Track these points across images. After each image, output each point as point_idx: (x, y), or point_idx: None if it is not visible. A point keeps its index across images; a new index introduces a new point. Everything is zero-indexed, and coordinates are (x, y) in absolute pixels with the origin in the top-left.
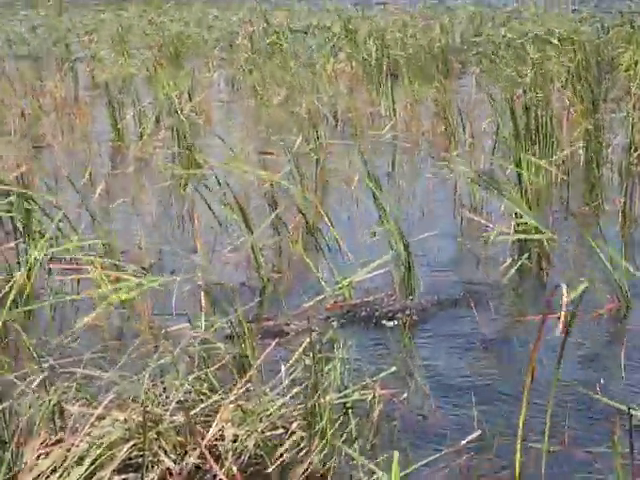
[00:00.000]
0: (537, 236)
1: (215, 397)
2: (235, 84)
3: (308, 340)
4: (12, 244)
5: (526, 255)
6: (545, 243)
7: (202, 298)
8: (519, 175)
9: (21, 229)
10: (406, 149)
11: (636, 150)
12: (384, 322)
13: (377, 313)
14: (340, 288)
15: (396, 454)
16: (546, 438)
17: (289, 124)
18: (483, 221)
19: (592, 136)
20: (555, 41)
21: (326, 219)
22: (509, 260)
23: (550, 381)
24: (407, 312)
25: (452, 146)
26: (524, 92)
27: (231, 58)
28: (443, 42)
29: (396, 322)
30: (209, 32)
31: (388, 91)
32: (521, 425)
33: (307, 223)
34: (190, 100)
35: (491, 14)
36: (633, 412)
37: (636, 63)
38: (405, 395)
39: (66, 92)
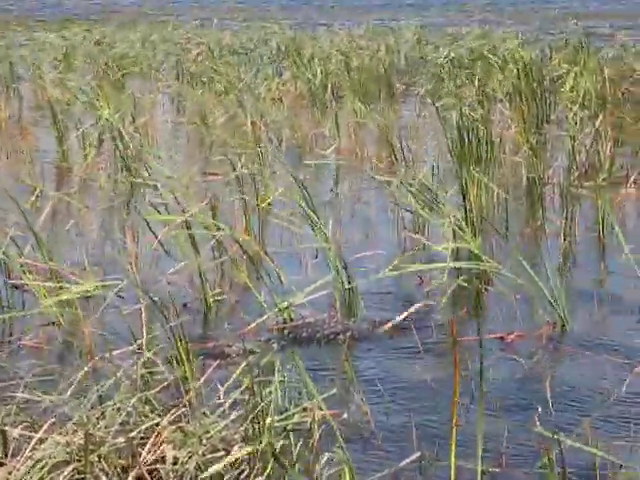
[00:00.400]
0: (479, 265)
1: (156, 419)
2: (179, 105)
3: (245, 363)
4: None
5: (463, 277)
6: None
7: (143, 319)
8: (463, 195)
9: None
10: (349, 171)
11: (576, 171)
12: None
13: (318, 334)
14: (280, 310)
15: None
16: (479, 459)
17: (233, 145)
18: (426, 241)
19: (534, 156)
20: (497, 61)
21: (268, 244)
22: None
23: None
24: (348, 333)
25: (395, 168)
26: (465, 111)
27: (175, 79)
28: (388, 62)
29: (339, 341)
30: (154, 53)
31: (332, 113)
32: (453, 447)
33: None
34: (133, 121)
35: (436, 35)
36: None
37: (577, 84)
38: (345, 416)
39: (10, 112)
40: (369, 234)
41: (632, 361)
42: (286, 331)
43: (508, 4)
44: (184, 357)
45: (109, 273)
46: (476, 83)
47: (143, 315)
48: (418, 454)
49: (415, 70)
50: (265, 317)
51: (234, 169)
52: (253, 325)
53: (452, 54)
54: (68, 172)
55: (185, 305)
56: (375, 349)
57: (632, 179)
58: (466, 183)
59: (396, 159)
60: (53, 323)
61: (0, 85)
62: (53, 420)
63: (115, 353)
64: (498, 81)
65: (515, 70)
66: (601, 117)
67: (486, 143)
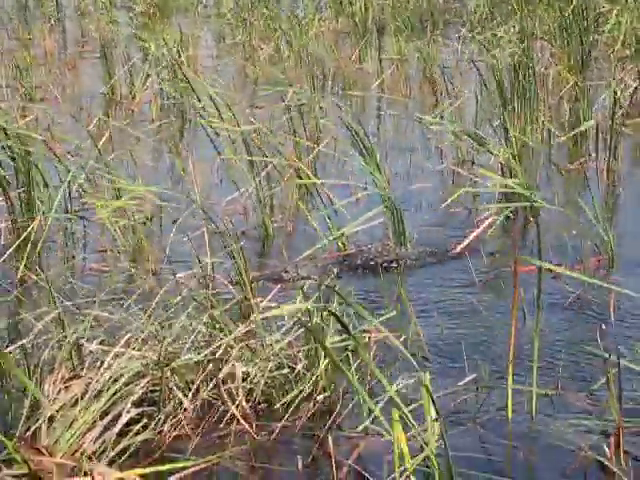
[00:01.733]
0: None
1: (225, 337)
2: (223, 39)
3: (306, 285)
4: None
5: (510, 209)
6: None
7: (207, 244)
8: (506, 131)
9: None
10: (393, 106)
11: (620, 109)
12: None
13: (372, 262)
14: (334, 239)
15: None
16: (534, 381)
17: (278, 79)
18: (471, 176)
19: (578, 94)
20: None
21: (319, 175)
22: (494, 214)
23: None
24: (401, 261)
25: (439, 104)
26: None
27: (217, 12)
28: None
29: (392, 269)
30: None
31: (374, 49)
32: (510, 369)
33: (300, 177)
34: (179, 55)
35: None
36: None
37: (619, 23)
38: (403, 337)
39: (56, 45)
40: (416, 167)
41: None
42: (341, 259)
43: None
44: (246, 280)
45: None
46: (517, 19)
47: (206, 238)
48: (474, 375)
49: (456, 6)
50: (319, 246)
51: (282, 100)
52: (309, 252)
53: None
54: (119, 104)
55: (243, 232)
56: (428, 276)
57: None
58: (509, 119)
59: (439, 94)
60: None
61: (43, 17)
62: (128, 335)
63: (180, 275)
64: (539, 18)
65: (557, 6)
66: None
67: (531, 79)
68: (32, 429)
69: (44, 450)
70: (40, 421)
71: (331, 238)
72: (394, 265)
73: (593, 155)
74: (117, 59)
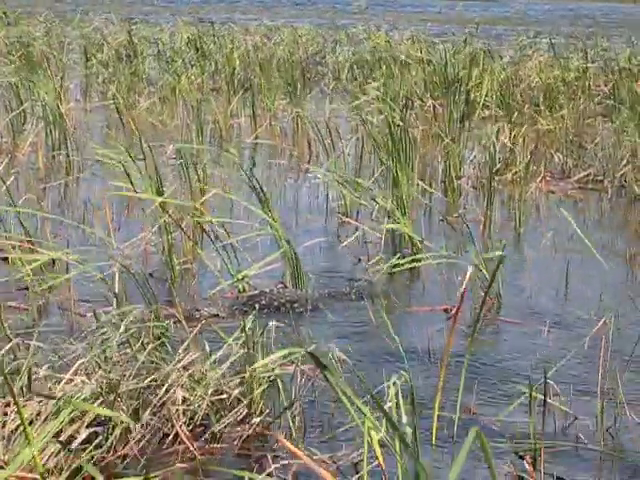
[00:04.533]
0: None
1: (167, 366)
2: (93, 93)
3: (241, 323)
4: None
5: (398, 255)
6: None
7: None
8: (395, 184)
9: None
10: (273, 158)
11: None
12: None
13: (275, 302)
14: (237, 280)
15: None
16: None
17: (157, 132)
18: (356, 224)
19: (450, 152)
20: (407, 59)
21: (214, 222)
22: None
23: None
24: (302, 301)
25: (312, 157)
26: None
27: (86, 69)
28: (293, 58)
29: (296, 309)
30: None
31: (248, 103)
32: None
33: (199, 224)
34: (58, 107)
35: (336, 35)
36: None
37: (480, 84)
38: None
39: None
40: (303, 217)
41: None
42: (245, 299)
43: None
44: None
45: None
46: (381, 82)
47: (117, 281)
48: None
49: (317, 68)
50: (223, 286)
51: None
52: (213, 292)
53: (352, 54)
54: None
55: (151, 274)
56: (328, 315)
57: (542, 176)
58: (396, 173)
59: (314, 149)
60: (26, 288)
61: None
62: (81, 362)
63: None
64: (406, 80)
65: (420, 70)
66: (512, 117)
67: (407, 140)
68: None
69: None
70: None
71: (234, 280)
72: (296, 306)
73: (468, 207)
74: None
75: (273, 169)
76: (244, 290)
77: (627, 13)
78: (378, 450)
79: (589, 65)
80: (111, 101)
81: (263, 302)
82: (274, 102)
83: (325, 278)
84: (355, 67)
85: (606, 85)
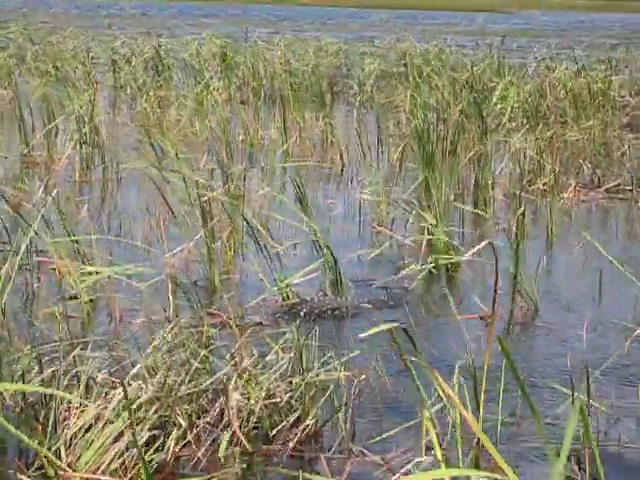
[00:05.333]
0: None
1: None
2: (122, 105)
3: (291, 329)
4: None
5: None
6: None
7: (170, 295)
8: (428, 195)
9: None
10: (302, 169)
11: (523, 176)
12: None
13: (316, 310)
14: (280, 288)
15: None
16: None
17: (192, 146)
18: (391, 233)
19: (482, 161)
20: (433, 71)
21: (261, 229)
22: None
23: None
24: (342, 309)
25: (345, 168)
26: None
27: (114, 82)
28: (320, 72)
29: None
30: (90, 55)
31: (278, 116)
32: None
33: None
34: (91, 119)
35: (357, 48)
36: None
37: (506, 95)
38: (364, 376)
39: None
40: (341, 227)
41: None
42: (287, 307)
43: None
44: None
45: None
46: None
47: (169, 289)
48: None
49: (344, 80)
50: (266, 295)
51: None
52: (256, 300)
53: (380, 65)
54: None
55: (195, 283)
56: (364, 322)
57: (573, 186)
58: (428, 184)
59: (343, 159)
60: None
61: None
62: (139, 366)
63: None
64: (434, 91)
65: (447, 81)
66: (539, 128)
67: (442, 150)
68: (53, 449)
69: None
70: (61, 441)
71: (277, 288)
72: (337, 313)
73: (500, 217)
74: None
75: (306, 180)
76: (288, 298)
77: None
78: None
79: (614, 77)
80: (142, 113)
81: (305, 310)
82: (303, 114)
83: (362, 286)
84: (381, 79)
85: (631, 95)
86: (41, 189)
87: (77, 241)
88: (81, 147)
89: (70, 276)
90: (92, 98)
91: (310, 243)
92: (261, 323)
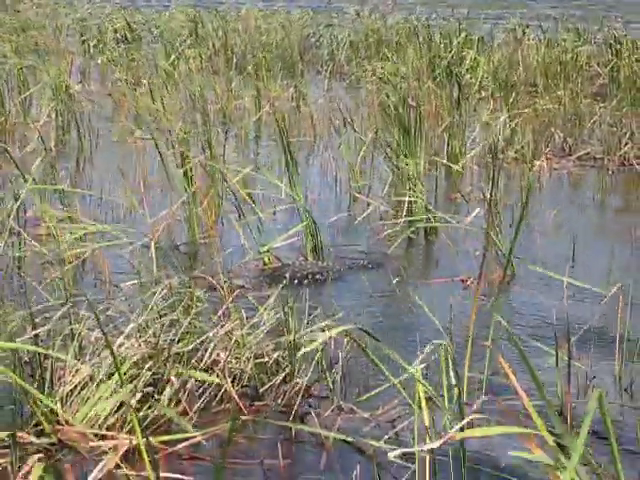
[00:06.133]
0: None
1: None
2: (92, 76)
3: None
4: None
5: (412, 229)
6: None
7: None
8: (397, 164)
9: None
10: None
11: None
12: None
13: (298, 274)
14: (262, 253)
15: None
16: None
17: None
18: (368, 200)
19: (453, 131)
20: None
21: (244, 195)
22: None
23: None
24: (323, 273)
25: (317, 137)
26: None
27: (85, 53)
28: (291, 42)
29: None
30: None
31: (250, 85)
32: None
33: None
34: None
35: (326, 19)
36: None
37: (476, 65)
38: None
39: None
40: (319, 193)
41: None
42: (269, 271)
43: None
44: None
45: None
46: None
47: (153, 252)
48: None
49: (313, 50)
50: (247, 258)
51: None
52: (238, 264)
53: (348, 36)
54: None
55: (177, 247)
56: (350, 285)
57: (545, 154)
58: (403, 152)
59: (315, 130)
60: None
61: None
62: (132, 325)
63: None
64: (404, 62)
65: (415, 52)
66: (510, 98)
67: (416, 117)
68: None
69: (64, 422)
70: (57, 398)
71: (259, 252)
72: (318, 277)
73: (474, 185)
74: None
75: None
76: (269, 262)
77: None
78: (424, 404)
79: (583, 47)
80: (117, 83)
81: (287, 274)
82: (275, 84)
83: (342, 251)
84: (350, 49)
85: (599, 65)
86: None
87: (64, 205)
88: (57, 116)
89: (57, 237)
90: (68, 68)
91: (290, 209)
92: (243, 286)
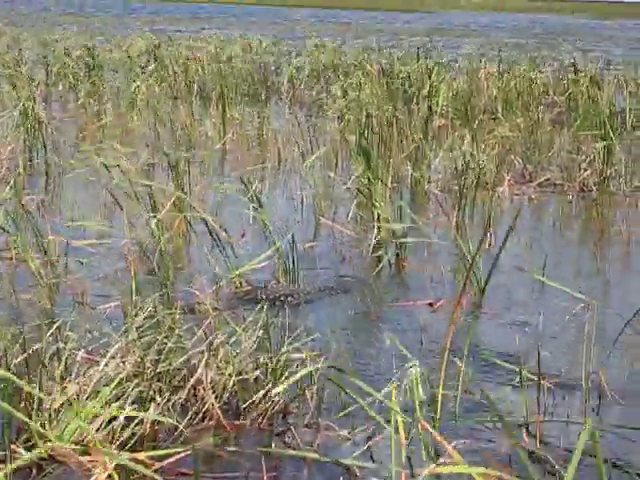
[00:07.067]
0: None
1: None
2: (53, 102)
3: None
4: None
5: (390, 253)
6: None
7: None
8: (369, 189)
9: None
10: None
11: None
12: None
13: (271, 296)
14: (234, 277)
15: None
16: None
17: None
18: (335, 225)
19: (417, 157)
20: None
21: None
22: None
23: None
24: (295, 296)
25: (282, 160)
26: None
27: (47, 79)
28: (251, 69)
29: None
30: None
31: (215, 113)
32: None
33: (191, 224)
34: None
35: (284, 47)
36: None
37: (436, 93)
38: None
39: None
40: (286, 219)
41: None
42: (242, 294)
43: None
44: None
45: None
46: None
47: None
48: None
49: (276, 77)
50: (222, 283)
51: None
52: (214, 289)
53: (310, 65)
54: None
55: (150, 273)
56: (317, 308)
57: (507, 180)
58: (370, 178)
59: (280, 156)
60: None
61: None
62: (117, 346)
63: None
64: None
65: (375, 80)
66: (472, 125)
67: (379, 145)
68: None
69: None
70: (46, 414)
71: (231, 276)
72: (290, 299)
73: (440, 211)
74: None
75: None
76: (241, 285)
77: (565, 24)
78: (401, 425)
79: (539, 75)
80: (77, 108)
81: (260, 296)
82: (238, 111)
83: (312, 274)
84: (310, 77)
85: (555, 94)
86: None
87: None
88: (25, 141)
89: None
90: (33, 94)
91: (259, 233)
92: (217, 309)
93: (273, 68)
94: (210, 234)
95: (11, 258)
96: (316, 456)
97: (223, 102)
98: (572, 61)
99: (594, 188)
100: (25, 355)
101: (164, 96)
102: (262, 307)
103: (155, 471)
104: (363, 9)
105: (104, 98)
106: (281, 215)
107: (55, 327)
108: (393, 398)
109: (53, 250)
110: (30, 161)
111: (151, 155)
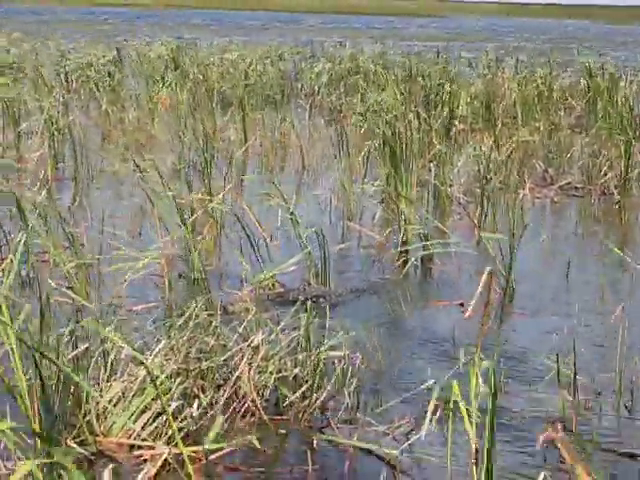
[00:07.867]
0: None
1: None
2: (75, 109)
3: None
4: None
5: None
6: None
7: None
8: (396, 192)
9: None
10: (265, 169)
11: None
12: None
13: (302, 297)
14: (266, 279)
15: None
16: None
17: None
18: (361, 229)
19: (442, 160)
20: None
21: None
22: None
23: None
24: (326, 297)
25: (307, 167)
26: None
27: (67, 86)
28: (272, 76)
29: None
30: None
31: (237, 119)
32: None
33: (222, 227)
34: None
35: (304, 53)
36: None
37: (457, 98)
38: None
39: None
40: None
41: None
42: (274, 295)
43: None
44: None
45: None
46: (359, 97)
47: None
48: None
49: (295, 83)
50: (254, 284)
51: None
52: (248, 288)
53: (329, 71)
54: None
55: (180, 275)
56: (347, 309)
57: (528, 184)
58: (396, 182)
59: (304, 161)
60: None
61: None
62: (163, 343)
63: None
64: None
65: (396, 85)
66: (493, 129)
67: (405, 150)
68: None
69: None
70: (93, 411)
71: (263, 277)
72: (322, 301)
73: (464, 214)
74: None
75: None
76: (273, 287)
77: (578, 27)
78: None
79: (558, 79)
80: (102, 115)
81: (293, 297)
82: (259, 117)
83: (343, 276)
84: (330, 83)
85: (573, 98)
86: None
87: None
88: (51, 147)
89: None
90: (57, 101)
91: (286, 236)
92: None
93: (292, 74)
94: (247, 237)
95: (47, 261)
96: (370, 446)
97: (244, 107)
98: (588, 65)
99: (615, 191)
100: (75, 353)
101: (186, 102)
102: (304, 307)
103: (201, 466)
104: (377, 14)
105: (127, 104)
106: (308, 219)
107: (100, 326)
108: (455, 389)
109: (87, 253)
110: (56, 168)
111: (177, 160)
